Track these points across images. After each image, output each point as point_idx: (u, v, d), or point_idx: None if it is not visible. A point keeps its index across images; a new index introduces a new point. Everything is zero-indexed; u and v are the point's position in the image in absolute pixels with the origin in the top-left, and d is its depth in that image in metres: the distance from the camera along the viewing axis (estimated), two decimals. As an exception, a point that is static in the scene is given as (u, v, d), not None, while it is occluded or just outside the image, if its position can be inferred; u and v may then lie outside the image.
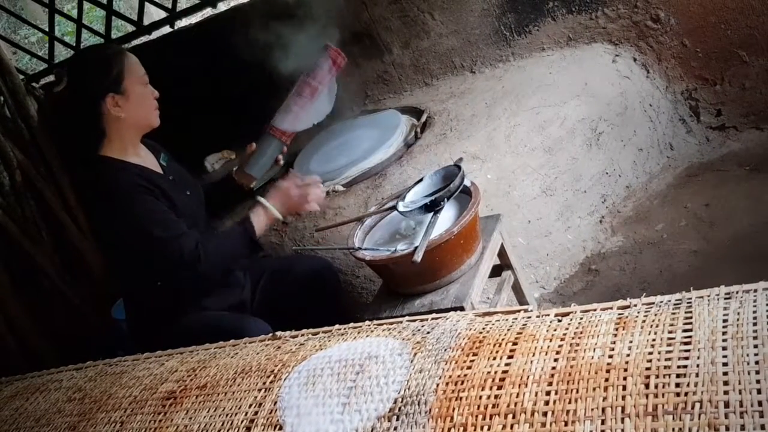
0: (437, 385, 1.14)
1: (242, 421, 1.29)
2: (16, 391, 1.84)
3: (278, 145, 2.49)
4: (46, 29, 4.12)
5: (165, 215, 2.12)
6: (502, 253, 2.25)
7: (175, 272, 2.15)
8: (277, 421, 1.24)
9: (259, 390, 1.35)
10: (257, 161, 2.47)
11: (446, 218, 2.07)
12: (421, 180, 2.22)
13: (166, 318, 2.25)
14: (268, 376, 1.38)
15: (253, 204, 2.30)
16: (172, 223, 2.10)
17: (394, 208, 2.19)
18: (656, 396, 0.95)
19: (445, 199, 2.07)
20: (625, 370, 1.00)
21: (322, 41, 2.61)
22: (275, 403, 1.29)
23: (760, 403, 0.87)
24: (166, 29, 3.92)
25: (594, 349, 1.07)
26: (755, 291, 1.06)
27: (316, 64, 2.50)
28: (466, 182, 2.11)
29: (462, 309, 1.91)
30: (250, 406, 1.32)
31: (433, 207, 2.07)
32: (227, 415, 1.33)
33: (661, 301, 1.13)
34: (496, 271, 2.27)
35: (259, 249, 2.33)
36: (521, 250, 2.62)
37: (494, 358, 1.15)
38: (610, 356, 1.04)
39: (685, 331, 1.03)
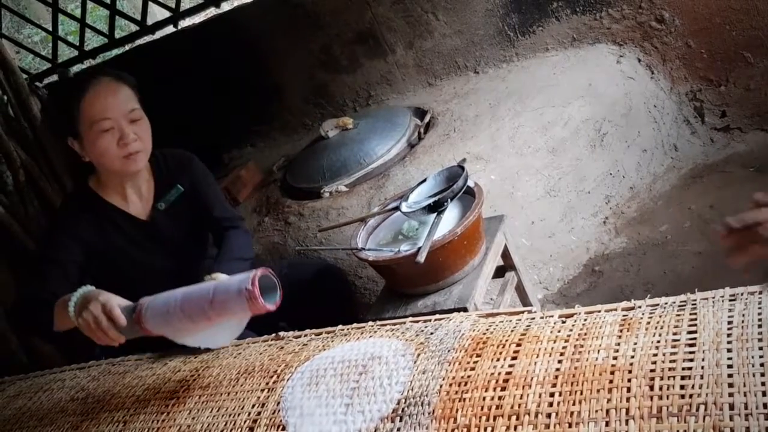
0: (440, 386, 1.14)
1: (245, 421, 1.29)
2: (19, 391, 1.85)
3: (137, 332, 1.59)
4: (50, 29, 4.13)
5: (51, 264, 1.93)
6: (505, 254, 2.25)
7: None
8: (280, 421, 1.24)
9: (262, 390, 1.35)
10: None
11: (450, 219, 2.06)
12: (424, 180, 2.22)
13: None
14: (271, 377, 1.38)
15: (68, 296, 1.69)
16: (43, 273, 1.92)
17: (397, 208, 2.18)
18: (661, 398, 0.94)
19: (449, 200, 2.06)
20: (630, 371, 1.00)
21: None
22: (278, 403, 1.29)
23: (765, 405, 0.87)
24: (170, 29, 3.92)
25: (598, 351, 1.07)
26: (760, 293, 1.06)
27: (226, 295, 1.44)
28: (470, 183, 2.11)
29: (465, 310, 1.91)
30: (253, 406, 1.32)
31: (436, 207, 2.07)
32: (230, 415, 1.33)
33: (666, 303, 1.13)
34: (499, 272, 2.27)
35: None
36: (525, 251, 2.62)
37: (498, 360, 1.15)
38: (615, 358, 1.04)
39: (689, 332, 1.03)
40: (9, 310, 1.91)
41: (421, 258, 1.87)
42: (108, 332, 1.52)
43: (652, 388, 0.96)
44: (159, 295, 1.52)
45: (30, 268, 1.98)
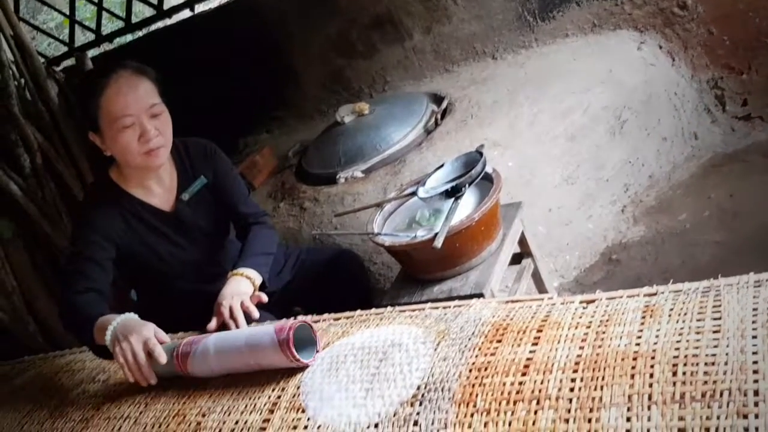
0: (461, 372, 1.14)
1: (265, 404, 1.30)
2: (39, 371, 1.86)
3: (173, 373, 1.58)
4: (67, 13, 4.15)
5: (89, 261, 1.90)
6: (522, 241, 2.24)
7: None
8: (300, 404, 1.25)
9: (282, 374, 1.35)
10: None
11: (467, 205, 2.05)
12: (441, 166, 2.21)
13: (163, 305, 2.13)
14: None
15: (110, 317, 1.72)
16: (84, 272, 1.89)
17: (414, 193, 2.18)
18: (684, 383, 0.94)
19: (467, 185, 2.05)
20: (653, 358, 0.99)
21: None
22: (298, 387, 1.29)
23: (791, 393, 0.86)
24: (186, 13, 3.93)
25: (620, 337, 1.06)
26: (786, 280, 1.04)
27: (263, 352, 1.42)
28: (488, 169, 2.10)
29: (482, 296, 1.90)
30: (273, 389, 1.32)
31: (454, 193, 2.06)
32: (251, 398, 1.33)
33: (689, 289, 1.12)
34: (515, 259, 2.26)
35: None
36: (541, 238, 2.60)
37: (518, 345, 1.14)
38: (637, 344, 1.03)
39: (713, 319, 1.02)
40: (60, 313, 1.88)
41: (439, 243, 1.87)
42: (143, 369, 1.53)
43: (675, 374, 0.96)
44: (198, 344, 1.52)
45: (69, 268, 1.92)
